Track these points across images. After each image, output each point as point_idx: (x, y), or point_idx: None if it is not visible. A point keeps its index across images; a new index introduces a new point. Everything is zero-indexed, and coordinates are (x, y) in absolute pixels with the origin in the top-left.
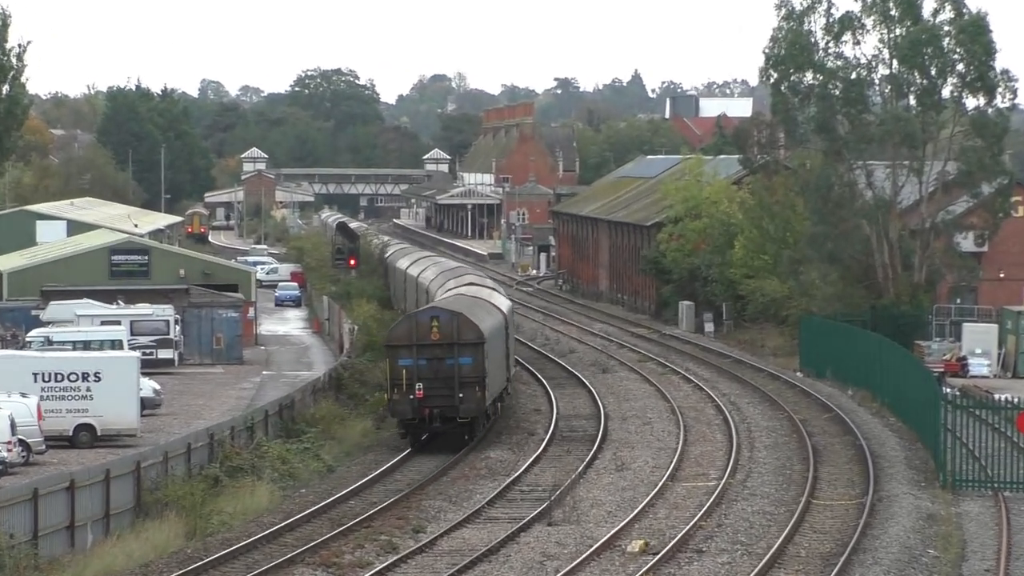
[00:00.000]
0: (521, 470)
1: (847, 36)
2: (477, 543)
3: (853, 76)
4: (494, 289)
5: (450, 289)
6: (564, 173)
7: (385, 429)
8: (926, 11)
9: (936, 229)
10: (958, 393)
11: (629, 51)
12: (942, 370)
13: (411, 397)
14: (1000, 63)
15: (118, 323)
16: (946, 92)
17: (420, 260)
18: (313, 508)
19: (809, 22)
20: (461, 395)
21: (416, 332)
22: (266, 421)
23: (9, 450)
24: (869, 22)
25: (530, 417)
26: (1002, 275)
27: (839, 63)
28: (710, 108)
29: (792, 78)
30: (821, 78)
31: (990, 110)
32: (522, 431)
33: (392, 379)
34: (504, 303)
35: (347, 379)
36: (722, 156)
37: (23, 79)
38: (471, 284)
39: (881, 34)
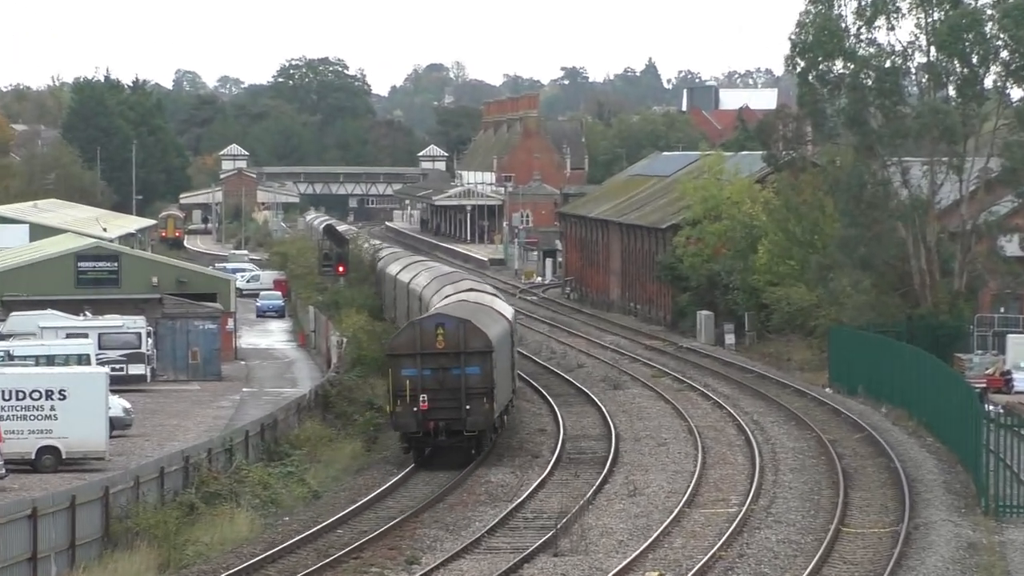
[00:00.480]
0: (524, 495)
1: (881, 21)
2: (476, 575)
3: (887, 64)
4: (495, 296)
5: (447, 296)
6: (572, 171)
7: (376, 451)
8: None
9: (978, 231)
10: (1002, 411)
11: (643, 38)
12: (984, 386)
13: (415, 409)
14: None
15: (85, 336)
16: (989, 82)
17: (413, 266)
18: (297, 537)
19: (839, 5)
20: (468, 407)
21: (420, 340)
22: (246, 443)
23: None
24: (905, 5)
25: (534, 437)
26: None
27: (872, 50)
28: (731, 100)
29: (821, 67)
30: (852, 67)
31: None
32: (525, 452)
33: (394, 390)
34: (508, 310)
35: (335, 397)
36: (744, 152)
37: None
38: (471, 290)
39: (918, 18)
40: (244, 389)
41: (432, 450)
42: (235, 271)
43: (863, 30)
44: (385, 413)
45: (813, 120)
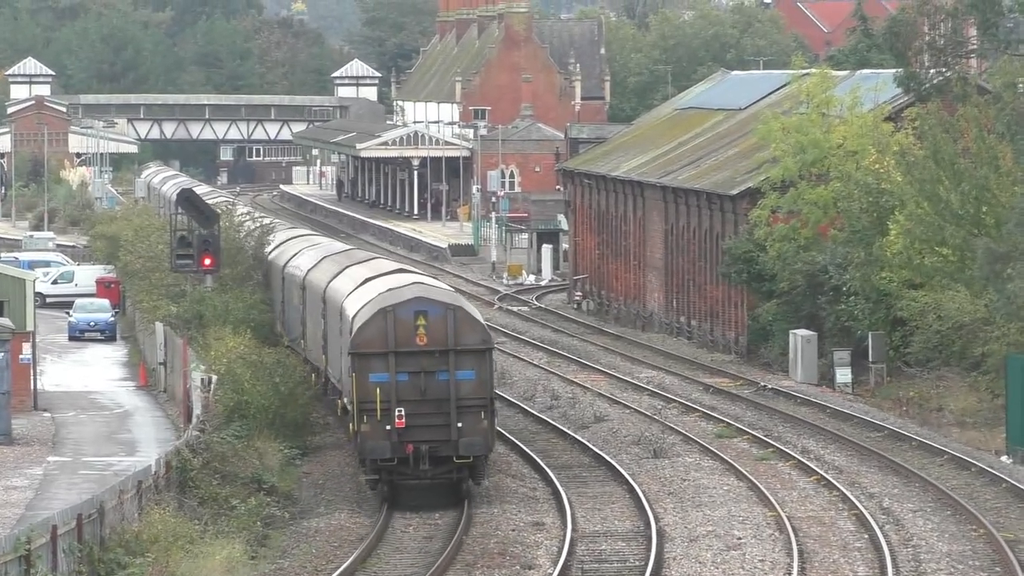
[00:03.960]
0: None
1: None
2: None
3: None
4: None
5: (364, 283)
6: (583, 102)
7: (268, 557)
8: None
9: None
10: None
11: None
12: None
13: (388, 428)
14: None
15: None
16: None
17: (298, 241)
18: None
19: None
20: (460, 424)
21: (394, 334)
22: (54, 546)
23: None
24: None
25: (524, 536)
26: None
27: None
28: None
29: None
30: None
31: None
32: (510, 561)
33: (360, 402)
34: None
35: (199, 471)
36: (866, 71)
37: None
38: (400, 272)
39: None
40: (50, 458)
41: (394, 488)
42: (33, 266)
43: None
44: (283, 495)
45: (980, 17)
